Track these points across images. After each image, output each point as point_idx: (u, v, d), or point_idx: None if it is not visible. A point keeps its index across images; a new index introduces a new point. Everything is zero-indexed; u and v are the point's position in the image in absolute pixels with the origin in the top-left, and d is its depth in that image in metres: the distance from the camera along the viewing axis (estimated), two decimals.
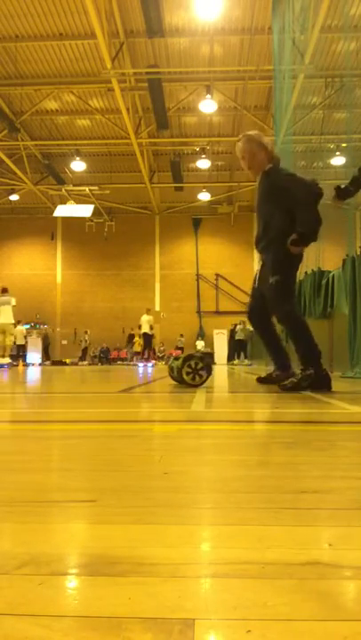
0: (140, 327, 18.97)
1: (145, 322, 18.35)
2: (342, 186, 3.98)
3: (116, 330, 25.44)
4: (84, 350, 23.64)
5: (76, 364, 21.31)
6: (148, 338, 18.62)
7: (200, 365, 3.82)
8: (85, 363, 22.52)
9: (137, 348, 21.59)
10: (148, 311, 18.99)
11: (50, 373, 8.79)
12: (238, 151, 3.88)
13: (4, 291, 12.28)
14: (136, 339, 21.88)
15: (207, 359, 3.94)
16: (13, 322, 12.24)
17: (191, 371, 3.83)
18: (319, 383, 3.45)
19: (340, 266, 6.47)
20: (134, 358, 21.82)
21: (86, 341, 23.58)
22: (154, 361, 19.32)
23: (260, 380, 4.19)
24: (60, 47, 14.75)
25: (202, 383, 3.85)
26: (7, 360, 12.08)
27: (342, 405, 2.61)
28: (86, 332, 23.83)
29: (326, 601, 0.49)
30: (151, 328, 18.55)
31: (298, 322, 3.63)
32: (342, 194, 3.98)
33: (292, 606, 0.48)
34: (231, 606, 0.48)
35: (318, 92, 15.73)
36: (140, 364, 17.60)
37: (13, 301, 12.10)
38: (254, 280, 4.04)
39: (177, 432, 1.72)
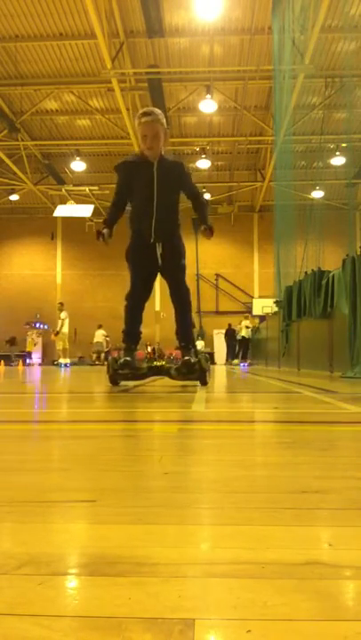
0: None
1: (244, 326, 19.39)
2: None
3: (117, 330, 25.30)
4: (106, 351, 23.50)
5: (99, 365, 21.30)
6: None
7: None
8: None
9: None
10: (247, 317, 19.89)
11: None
12: (150, 129, 3.67)
13: (62, 304, 15.32)
14: None
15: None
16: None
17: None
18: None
19: (340, 266, 6.47)
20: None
21: (108, 342, 23.52)
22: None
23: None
24: (60, 47, 14.74)
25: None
26: (68, 360, 15.44)
27: (342, 405, 2.61)
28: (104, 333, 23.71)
29: (326, 601, 0.49)
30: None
31: (190, 299, 4.27)
32: None
33: (292, 606, 0.48)
34: (231, 606, 0.48)
35: (318, 92, 15.73)
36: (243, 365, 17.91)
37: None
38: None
39: (177, 432, 1.72)
